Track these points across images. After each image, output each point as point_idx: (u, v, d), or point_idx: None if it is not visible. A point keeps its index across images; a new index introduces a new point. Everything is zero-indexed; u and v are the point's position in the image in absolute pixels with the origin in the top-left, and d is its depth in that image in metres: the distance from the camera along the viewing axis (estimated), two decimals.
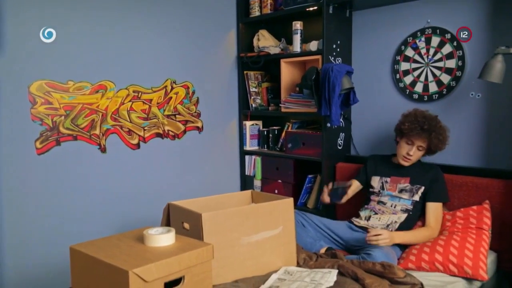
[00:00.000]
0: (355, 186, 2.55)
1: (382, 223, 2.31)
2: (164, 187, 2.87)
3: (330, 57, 2.79)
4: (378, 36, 2.86)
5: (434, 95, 2.62)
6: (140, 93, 2.70)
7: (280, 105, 3.09)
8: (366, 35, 2.92)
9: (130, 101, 2.65)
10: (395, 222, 2.29)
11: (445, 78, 2.57)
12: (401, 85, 2.76)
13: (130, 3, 2.61)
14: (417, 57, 2.68)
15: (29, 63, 2.24)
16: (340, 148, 2.95)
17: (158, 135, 2.82)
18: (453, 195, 2.38)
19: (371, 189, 2.48)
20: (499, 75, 2.10)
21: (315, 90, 2.70)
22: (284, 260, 1.88)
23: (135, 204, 2.72)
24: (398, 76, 2.77)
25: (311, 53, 2.88)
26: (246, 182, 3.36)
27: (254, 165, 3.30)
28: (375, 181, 2.48)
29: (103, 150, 2.56)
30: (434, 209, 2.26)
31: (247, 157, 3.35)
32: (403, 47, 2.73)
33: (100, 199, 2.56)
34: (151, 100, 2.76)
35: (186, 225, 1.78)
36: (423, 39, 2.64)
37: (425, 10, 2.63)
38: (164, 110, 2.84)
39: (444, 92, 2.58)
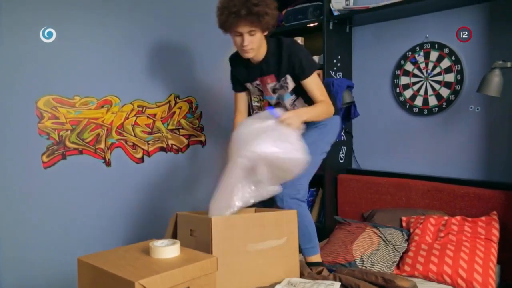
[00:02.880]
0: (243, 99, 2.30)
1: None
2: (168, 200, 2.89)
3: (330, 71, 2.84)
4: (377, 51, 2.90)
5: (434, 109, 2.66)
6: (144, 108, 2.75)
7: None
8: (366, 50, 2.97)
9: (134, 115, 2.70)
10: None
11: (445, 92, 2.61)
12: (401, 99, 2.79)
13: (136, 20, 2.67)
14: (416, 72, 2.72)
15: (37, 79, 2.29)
16: (341, 161, 2.97)
17: (162, 149, 2.86)
18: (454, 205, 2.41)
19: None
20: (497, 89, 2.14)
21: None
22: (288, 272, 1.90)
23: (139, 218, 2.74)
24: (398, 90, 2.81)
25: None
26: None
27: None
28: (251, 88, 2.24)
29: (107, 164, 2.59)
30: (310, 83, 2.08)
31: None
32: (402, 62, 2.77)
33: (104, 213, 2.58)
34: (155, 114, 2.80)
35: (194, 232, 1.80)
36: (422, 53, 2.69)
37: (423, 25, 2.68)
38: (168, 125, 2.88)
39: (443, 106, 2.62)
